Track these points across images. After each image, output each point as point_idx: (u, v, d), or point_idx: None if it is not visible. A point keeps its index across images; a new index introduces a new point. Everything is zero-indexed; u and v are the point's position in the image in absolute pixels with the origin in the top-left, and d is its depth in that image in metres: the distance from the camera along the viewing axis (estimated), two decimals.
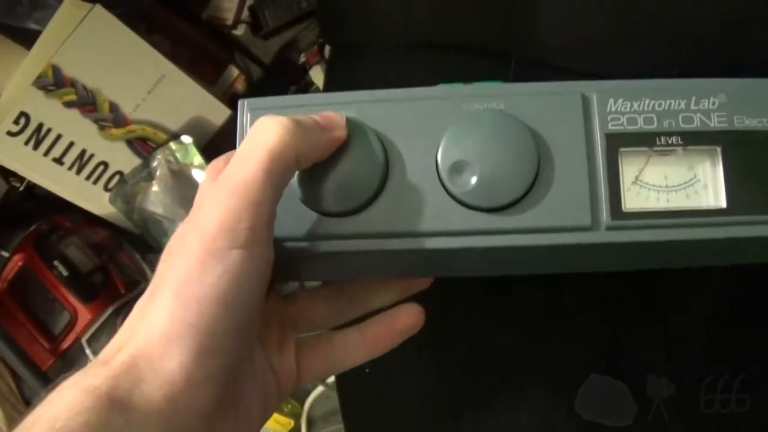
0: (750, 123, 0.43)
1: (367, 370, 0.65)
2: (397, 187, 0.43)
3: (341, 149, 0.42)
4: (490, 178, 0.41)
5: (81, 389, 0.34)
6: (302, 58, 0.94)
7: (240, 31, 0.94)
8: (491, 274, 0.48)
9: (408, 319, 0.49)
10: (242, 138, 0.45)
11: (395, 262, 0.45)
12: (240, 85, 0.95)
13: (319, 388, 0.91)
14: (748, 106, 0.43)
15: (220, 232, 0.36)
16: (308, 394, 0.93)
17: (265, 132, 0.38)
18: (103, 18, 0.84)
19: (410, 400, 0.69)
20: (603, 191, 0.42)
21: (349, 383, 0.71)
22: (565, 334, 0.64)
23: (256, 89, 0.96)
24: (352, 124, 0.43)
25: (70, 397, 0.33)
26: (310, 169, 0.42)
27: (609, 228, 0.42)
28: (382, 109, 0.44)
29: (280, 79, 0.95)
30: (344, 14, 0.72)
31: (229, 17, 0.93)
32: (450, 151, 0.42)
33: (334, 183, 0.42)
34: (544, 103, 0.43)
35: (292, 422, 0.94)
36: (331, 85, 0.75)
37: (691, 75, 0.44)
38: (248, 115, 0.45)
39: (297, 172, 0.42)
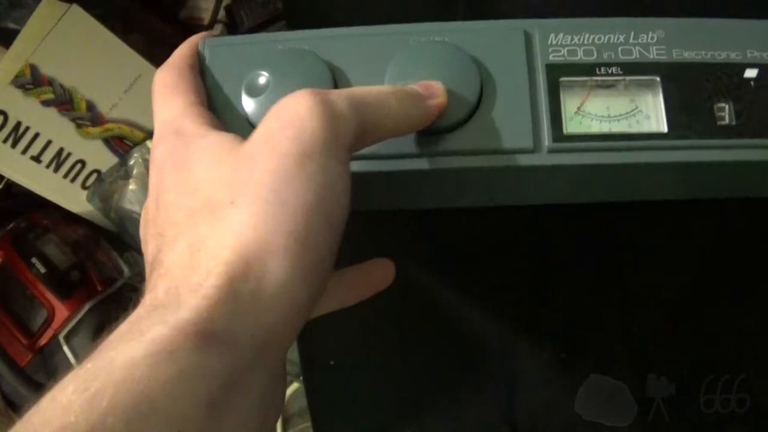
0: (688, 55, 0.44)
1: (332, 362, 0.65)
2: None
3: None
4: None
5: (169, 325, 0.30)
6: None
7: (216, 30, 0.95)
8: (447, 204, 0.49)
9: (383, 272, 0.49)
10: (202, 75, 0.45)
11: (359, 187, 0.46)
12: None
13: (295, 385, 0.91)
14: (686, 41, 0.44)
15: (322, 139, 0.34)
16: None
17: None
18: (80, 18, 0.85)
19: (376, 393, 0.69)
20: (545, 116, 0.43)
21: (314, 375, 0.71)
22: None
23: None
24: (302, 53, 0.44)
25: (155, 334, 0.29)
26: None
27: (551, 150, 0.43)
28: (336, 44, 0.45)
29: None
30: (310, 17, 0.73)
31: (206, 17, 0.95)
32: (394, 78, 0.43)
33: None
34: (487, 37, 0.45)
35: None
36: None
37: None
38: (207, 51, 0.46)
39: None
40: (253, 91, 0.43)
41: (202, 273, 0.32)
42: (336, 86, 0.44)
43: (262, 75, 0.43)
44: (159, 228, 0.37)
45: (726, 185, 0.49)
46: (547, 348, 0.65)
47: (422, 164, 0.43)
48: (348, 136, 0.36)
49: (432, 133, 0.43)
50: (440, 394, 0.67)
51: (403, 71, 0.43)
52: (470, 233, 0.64)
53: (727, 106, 0.43)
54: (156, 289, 0.33)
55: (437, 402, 0.67)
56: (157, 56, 0.91)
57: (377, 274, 0.49)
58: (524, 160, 0.43)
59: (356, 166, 0.42)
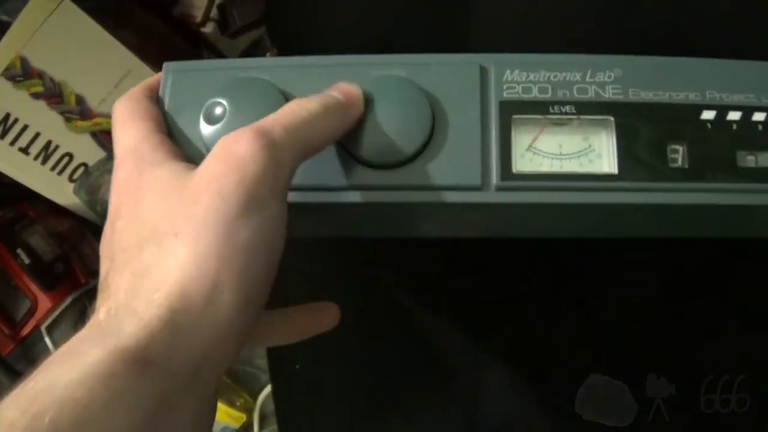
0: (645, 95, 0.44)
1: (297, 367, 0.65)
2: None
3: None
4: (385, 137, 0.43)
5: (107, 350, 0.31)
6: (268, 56, 0.96)
7: (208, 28, 0.95)
8: (398, 234, 0.49)
9: (329, 315, 0.50)
10: (162, 102, 0.46)
11: (301, 218, 0.46)
12: None
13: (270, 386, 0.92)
14: (644, 81, 0.44)
15: (265, 183, 0.36)
16: (261, 389, 0.93)
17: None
18: (72, 12, 0.85)
19: (340, 398, 0.69)
20: (494, 154, 0.43)
21: (281, 380, 0.72)
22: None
23: None
24: (259, 83, 0.45)
25: (93, 358, 0.31)
26: None
27: (498, 189, 0.43)
28: (294, 74, 0.46)
29: None
30: (291, 23, 0.73)
31: (199, 15, 0.94)
32: None
33: None
34: (444, 71, 0.45)
35: (244, 417, 0.95)
36: None
37: None
38: (170, 77, 0.47)
39: None
40: (212, 119, 0.44)
41: (143, 300, 0.34)
42: None
43: (220, 103, 0.44)
44: (112, 251, 0.38)
45: (679, 227, 0.49)
46: (512, 356, 0.65)
47: (371, 197, 0.44)
48: (289, 173, 0.38)
49: (382, 167, 0.43)
50: (406, 400, 0.67)
51: None
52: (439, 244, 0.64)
53: (681, 149, 0.43)
54: (99, 311, 0.35)
55: (402, 407, 0.67)
56: (149, 52, 0.91)
57: (323, 317, 0.50)
58: (472, 197, 0.43)
59: (307, 197, 0.43)
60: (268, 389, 0.93)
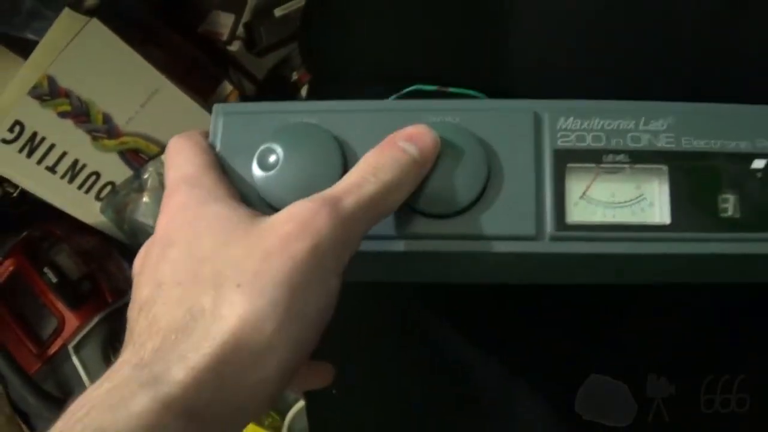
0: (697, 144, 0.44)
1: (333, 392, 0.65)
2: None
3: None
4: (441, 188, 0.43)
5: (156, 400, 0.32)
6: (295, 76, 0.96)
7: (235, 47, 0.96)
8: (448, 280, 0.49)
9: (322, 374, 0.51)
10: (214, 143, 0.46)
11: (367, 266, 0.47)
12: (233, 101, 0.96)
13: (301, 403, 0.92)
14: (696, 129, 0.44)
15: (335, 256, 0.37)
16: (289, 407, 0.93)
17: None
18: (99, 31, 0.86)
19: (380, 419, 0.69)
20: (549, 203, 0.43)
21: (317, 406, 0.72)
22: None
23: None
24: (312, 128, 0.45)
25: (141, 408, 0.31)
26: None
27: (553, 239, 0.43)
28: (347, 119, 0.46)
29: (272, 95, 0.97)
30: (323, 46, 0.73)
31: (225, 33, 0.95)
32: None
33: None
34: (497, 118, 0.45)
35: None
36: None
37: None
38: (221, 119, 0.47)
39: None
40: (265, 166, 0.44)
41: (194, 346, 0.34)
42: (345, 164, 0.44)
43: (273, 150, 0.44)
44: (159, 277, 0.38)
45: (730, 274, 0.49)
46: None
47: (426, 246, 0.44)
48: (357, 246, 0.39)
49: (438, 216, 0.43)
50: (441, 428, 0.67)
51: None
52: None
53: (732, 198, 0.43)
54: (144, 347, 0.35)
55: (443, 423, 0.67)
56: (175, 71, 0.92)
57: (317, 374, 0.51)
58: (526, 246, 0.43)
59: (363, 245, 0.43)
60: (296, 408, 0.93)
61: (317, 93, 0.76)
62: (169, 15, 0.97)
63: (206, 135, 0.47)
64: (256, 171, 0.44)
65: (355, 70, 0.70)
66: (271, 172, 0.44)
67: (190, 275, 0.37)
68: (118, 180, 0.91)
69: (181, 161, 0.43)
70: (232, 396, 0.34)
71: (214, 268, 0.36)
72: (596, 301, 0.63)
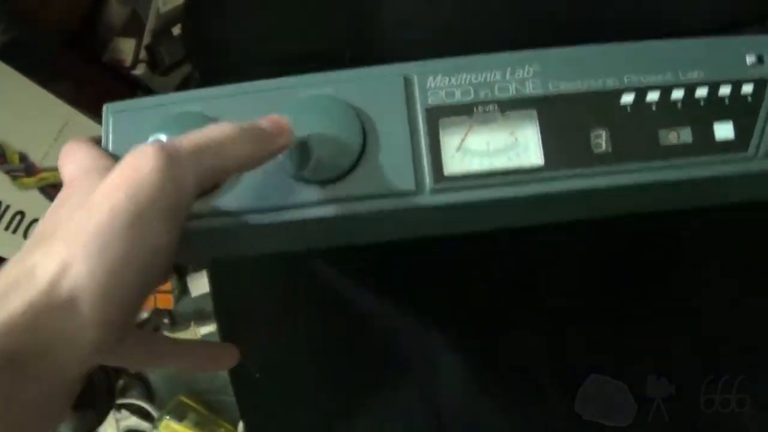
0: (564, 86, 0.46)
1: (257, 376, 0.66)
2: (240, 174, 0.46)
3: None
4: (322, 155, 0.45)
5: None
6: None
7: (140, 70, 0.96)
8: (340, 243, 0.51)
9: (228, 356, 0.50)
10: (107, 144, 0.48)
11: (252, 238, 0.49)
12: None
13: None
14: (562, 72, 0.46)
15: (158, 204, 0.36)
16: (240, 417, 0.94)
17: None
18: (4, 71, 0.86)
19: (306, 404, 0.70)
20: (425, 158, 0.45)
21: (243, 390, 0.72)
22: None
23: None
24: (196, 116, 0.47)
25: None
26: None
27: (433, 191, 0.45)
28: (227, 102, 0.48)
29: None
30: (206, 39, 0.74)
31: (128, 58, 0.95)
32: None
33: None
34: (370, 85, 0.47)
35: None
36: None
37: None
38: (111, 117, 0.48)
39: None
40: None
41: (18, 294, 0.35)
42: None
43: (159, 139, 0.45)
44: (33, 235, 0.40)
45: (612, 208, 0.50)
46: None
47: (314, 213, 0.45)
48: (188, 195, 0.38)
49: (321, 182, 0.45)
50: (368, 398, 0.68)
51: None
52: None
53: (603, 134, 0.45)
54: None
55: (365, 405, 0.68)
56: (84, 101, 0.92)
57: (223, 357, 0.50)
58: (408, 202, 0.45)
59: (252, 219, 0.45)
60: None
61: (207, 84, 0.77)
62: (77, 47, 0.98)
63: (96, 140, 0.48)
64: None
65: (239, 57, 0.71)
66: None
67: (38, 238, 0.38)
68: (43, 216, 0.91)
69: (71, 158, 0.44)
70: (48, 343, 0.35)
71: (56, 229, 0.37)
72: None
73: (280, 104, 0.46)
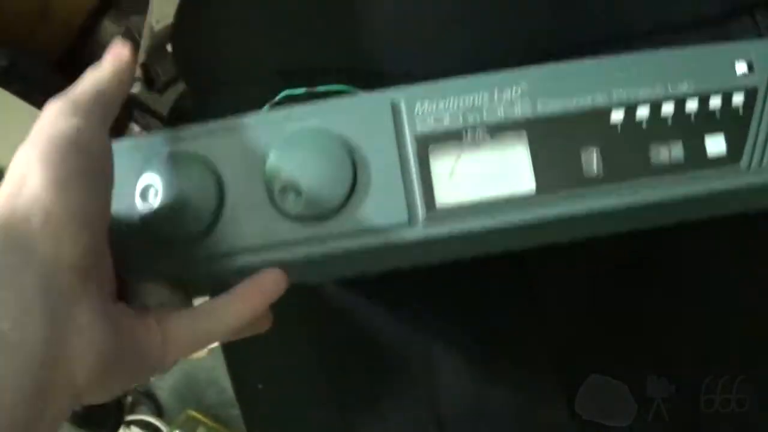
0: (552, 105, 0.45)
1: (260, 386, 0.65)
2: (233, 212, 0.45)
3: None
4: (311, 192, 0.44)
5: None
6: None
7: (135, 88, 0.96)
8: (334, 277, 0.50)
9: (274, 283, 0.47)
10: None
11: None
12: None
13: None
14: (550, 90, 0.45)
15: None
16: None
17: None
18: (2, 96, 0.86)
19: (308, 412, 0.70)
20: (417, 189, 0.44)
21: (246, 402, 0.72)
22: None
23: None
24: (187, 156, 0.46)
25: None
26: None
27: (425, 224, 0.44)
28: (214, 141, 0.46)
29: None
30: (196, 57, 0.74)
31: None
32: (273, 174, 0.45)
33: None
34: (357, 113, 0.46)
35: None
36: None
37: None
38: None
39: None
40: (145, 197, 0.45)
41: None
42: (221, 188, 0.46)
43: (153, 183, 0.45)
44: None
45: (605, 228, 0.50)
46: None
47: (306, 252, 0.45)
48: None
49: (310, 219, 0.44)
50: (370, 409, 0.68)
51: (280, 166, 0.45)
52: None
53: (594, 154, 0.44)
54: None
55: (365, 411, 0.68)
56: None
57: (270, 284, 0.48)
58: (401, 235, 0.44)
59: (246, 260, 0.45)
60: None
61: (198, 103, 0.77)
62: (71, 67, 0.98)
63: None
64: (140, 205, 0.45)
65: (230, 74, 0.71)
66: (152, 203, 0.45)
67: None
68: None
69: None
70: (20, 259, 0.36)
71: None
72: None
73: (270, 139, 0.46)
